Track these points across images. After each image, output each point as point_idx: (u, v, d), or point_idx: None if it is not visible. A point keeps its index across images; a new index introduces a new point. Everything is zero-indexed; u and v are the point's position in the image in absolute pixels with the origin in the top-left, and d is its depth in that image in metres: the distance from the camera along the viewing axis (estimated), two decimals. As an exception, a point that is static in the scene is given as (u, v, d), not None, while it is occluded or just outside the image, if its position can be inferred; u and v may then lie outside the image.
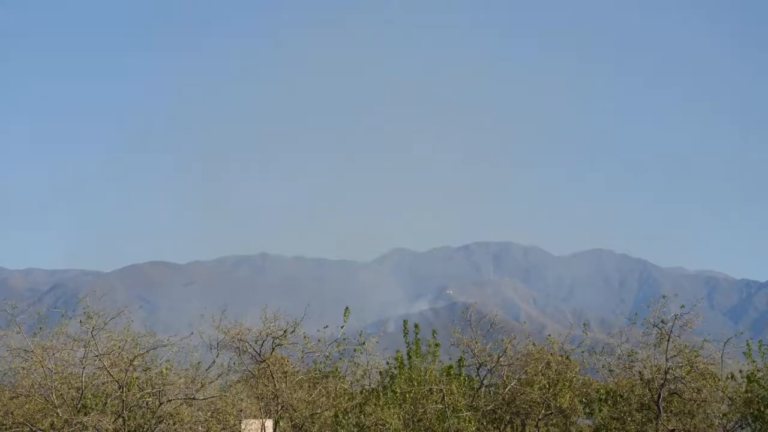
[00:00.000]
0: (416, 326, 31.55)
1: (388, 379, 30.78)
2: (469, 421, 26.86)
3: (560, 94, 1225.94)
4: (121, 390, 21.91)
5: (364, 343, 30.47)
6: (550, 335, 31.62)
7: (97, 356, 22.33)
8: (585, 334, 31.90)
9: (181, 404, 21.92)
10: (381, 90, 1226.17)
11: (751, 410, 27.77)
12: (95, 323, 22.77)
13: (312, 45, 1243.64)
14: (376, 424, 26.06)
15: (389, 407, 26.65)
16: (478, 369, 30.44)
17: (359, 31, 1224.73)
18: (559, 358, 29.75)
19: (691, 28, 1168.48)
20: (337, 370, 30.27)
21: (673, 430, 28.23)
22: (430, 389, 27.86)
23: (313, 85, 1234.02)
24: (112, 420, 21.35)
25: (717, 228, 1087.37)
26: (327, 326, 31.05)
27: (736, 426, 28.33)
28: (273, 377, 26.71)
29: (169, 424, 21.46)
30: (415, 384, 28.26)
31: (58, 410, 21.74)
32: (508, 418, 29.86)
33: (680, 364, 28.13)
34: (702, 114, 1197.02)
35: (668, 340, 28.04)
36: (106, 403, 21.97)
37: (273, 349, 28.80)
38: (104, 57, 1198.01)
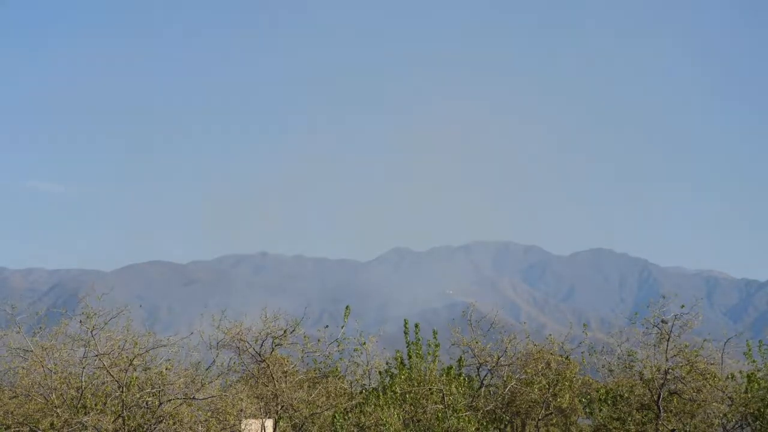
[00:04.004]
0: (416, 326, 31.57)
1: (388, 378, 30.80)
2: (469, 421, 26.86)
3: (561, 95, 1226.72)
4: (120, 390, 21.91)
5: (364, 343, 30.49)
6: (550, 335, 31.63)
7: (97, 356, 22.33)
8: (585, 333, 31.92)
9: (181, 404, 21.90)
10: (380, 89, 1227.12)
11: (751, 410, 27.76)
12: (95, 323, 22.77)
13: (310, 46, 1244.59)
14: (376, 424, 26.06)
15: (389, 407, 26.65)
16: (478, 369, 30.46)
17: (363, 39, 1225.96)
18: (559, 358, 29.76)
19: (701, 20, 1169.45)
20: (337, 370, 30.28)
21: (673, 430, 28.22)
22: (430, 389, 27.87)
23: (314, 84, 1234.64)
24: (112, 420, 21.35)
25: (717, 228, 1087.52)
26: (327, 326, 31.09)
27: (736, 426, 28.31)
28: (273, 377, 26.71)
29: (168, 423, 21.46)
30: (415, 384, 28.28)
31: (58, 410, 21.73)
32: (508, 418, 29.88)
33: (680, 364, 28.12)
34: (701, 113, 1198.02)
35: (668, 340, 28.03)
36: (105, 403, 21.95)
37: (273, 348, 28.81)
38: (103, 54, 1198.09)
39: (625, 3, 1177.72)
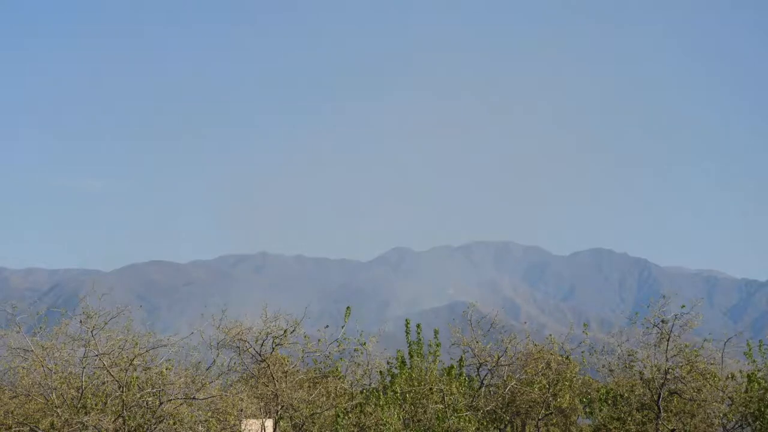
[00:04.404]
0: (418, 326, 31.61)
1: (389, 378, 30.82)
2: (469, 421, 26.87)
3: (561, 95, 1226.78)
4: (121, 390, 21.93)
5: (364, 344, 30.49)
6: (550, 335, 31.64)
7: (97, 356, 22.34)
8: (585, 333, 31.92)
9: (181, 404, 21.92)
10: (380, 89, 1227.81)
11: (751, 410, 27.78)
12: (95, 323, 22.78)
13: (310, 46, 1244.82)
14: (376, 424, 26.08)
15: (389, 407, 26.67)
16: (478, 369, 30.46)
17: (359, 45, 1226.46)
18: (559, 358, 29.77)
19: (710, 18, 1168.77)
20: (337, 370, 30.28)
21: (673, 429, 28.24)
22: (431, 389, 27.89)
23: (314, 84, 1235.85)
24: (112, 420, 21.37)
25: (717, 228, 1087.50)
26: (327, 326, 31.06)
27: (736, 426, 28.33)
28: (273, 377, 26.71)
29: (169, 423, 21.47)
30: (416, 384, 28.29)
31: (58, 410, 21.74)
32: (508, 418, 29.89)
33: (680, 364, 28.14)
34: (702, 113, 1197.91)
35: (668, 340, 28.05)
36: (106, 403, 21.97)
37: (273, 348, 28.82)
38: (102, 54, 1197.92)
39: (626, 3, 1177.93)
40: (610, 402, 30.29)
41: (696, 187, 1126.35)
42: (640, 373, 28.68)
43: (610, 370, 30.00)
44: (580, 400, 31.20)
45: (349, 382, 30.30)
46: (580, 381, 31.46)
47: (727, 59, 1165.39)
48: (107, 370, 22.13)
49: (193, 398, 22.29)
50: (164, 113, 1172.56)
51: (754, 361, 29.52)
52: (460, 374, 30.44)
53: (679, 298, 29.14)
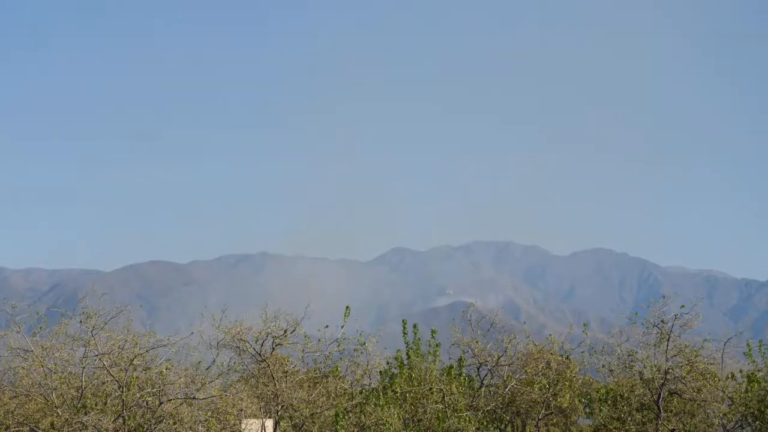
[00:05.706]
0: (415, 326, 31.58)
1: (388, 378, 30.79)
2: (469, 421, 26.86)
3: (561, 95, 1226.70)
4: (121, 390, 21.92)
5: (364, 344, 30.46)
6: (550, 335, 31.63)
7: (97, 356, 22.33)
8: (585, 333, 31.93)
9: (181, 404, 21.91)
10: (381, 89, 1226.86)
11: (751, 410, 27.77)
12: (95, 323, 22.77)
13: (308, 44, 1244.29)
14: (376, 424, 26.07)
15: (389, 407, 26.66)
16: (478, 369, 30.45)
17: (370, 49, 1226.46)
18: (559, 358, 29.76)
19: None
20: (337, 370, 30.27)
21: (673, 429, 28.23)
22: (431, 389, 27.88)
23: (314, 83, 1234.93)
24: (112, 419, 21.36)
25: (717, 228, 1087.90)
26: (327, 326, 31.03)
27: (736, 426, 28.33)
28: (273, 377, 26.70)
29: (169, 423, 21.46)
30: (416, 384, 28.28)
31: (58, 410, 21.74)
32: (508, 418, 29.88)
33: (680, 364, 28.14)
34: (702, 114, 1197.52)
35: (668, 340, 28.05)
36: (106, 403, 21.96)
37: (273, 348, 28.80)
38: (101, 53, 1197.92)
39: (627, 3, 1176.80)
40: (610, 402, 30.28)
41: (696, 187, 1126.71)
42: (640, 373, 28.68)
43: (610, 370, 29.99)
44: (580, 400, 31.19)
45: (349, 382, 30.29)
46: (580, 381, 31.46)
47: (728, 59, 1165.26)
48: (107, 370, 22.12)
49: (193, 398, 22.28)
50: (164, 113, 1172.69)
51: (754, 361, 29.51)
52: (460, 374, 30.42)
53: (679, 298, 29.15)
